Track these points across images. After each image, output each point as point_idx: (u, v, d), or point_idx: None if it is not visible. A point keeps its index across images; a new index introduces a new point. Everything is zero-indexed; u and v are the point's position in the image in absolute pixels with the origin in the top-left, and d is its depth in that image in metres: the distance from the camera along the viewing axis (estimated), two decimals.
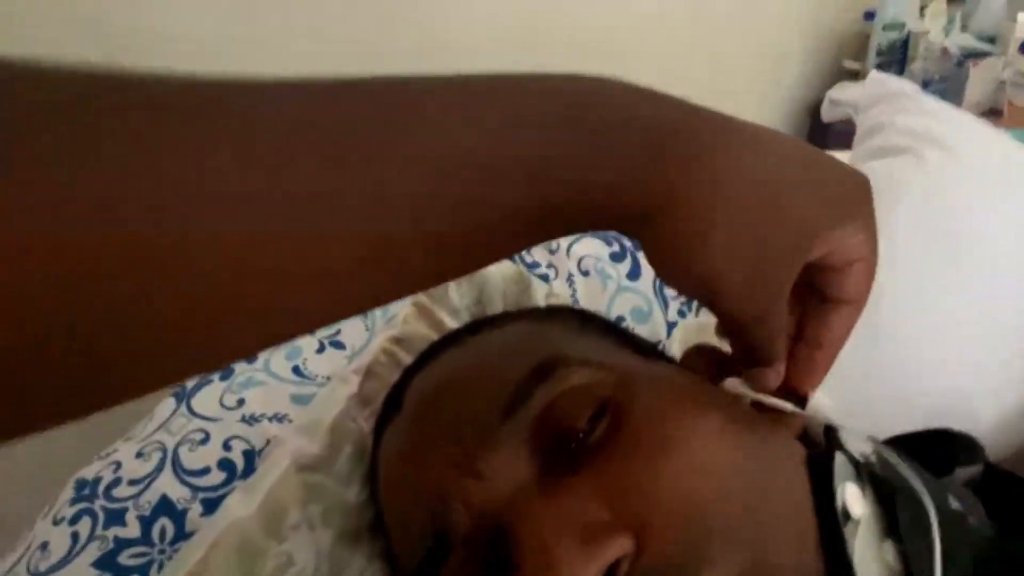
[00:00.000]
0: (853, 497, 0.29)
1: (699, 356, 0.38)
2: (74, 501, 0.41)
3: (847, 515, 0.28)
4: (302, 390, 0.47)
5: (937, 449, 0.35)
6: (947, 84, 1.34)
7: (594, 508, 0.26)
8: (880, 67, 1.42)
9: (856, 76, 1.46)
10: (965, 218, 0.46)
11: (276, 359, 0.49)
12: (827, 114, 1.43)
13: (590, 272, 0.55)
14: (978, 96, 1.33)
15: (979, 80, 1.31)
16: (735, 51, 1.30)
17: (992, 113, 1.31)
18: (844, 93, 1.41)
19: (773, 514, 0.27)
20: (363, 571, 0.35)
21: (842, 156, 0.65)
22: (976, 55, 1.34)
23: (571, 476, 0.28)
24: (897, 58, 1.39)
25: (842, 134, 1.02)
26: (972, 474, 0.34)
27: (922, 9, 1.40)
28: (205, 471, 0.41)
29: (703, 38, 1.23)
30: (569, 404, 0.29)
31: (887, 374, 0.42)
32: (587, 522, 0.26)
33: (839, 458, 0.29)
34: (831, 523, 0.27)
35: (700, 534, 0.26)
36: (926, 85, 1.31)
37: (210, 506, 0.39)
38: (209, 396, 0.46)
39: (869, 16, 1.43)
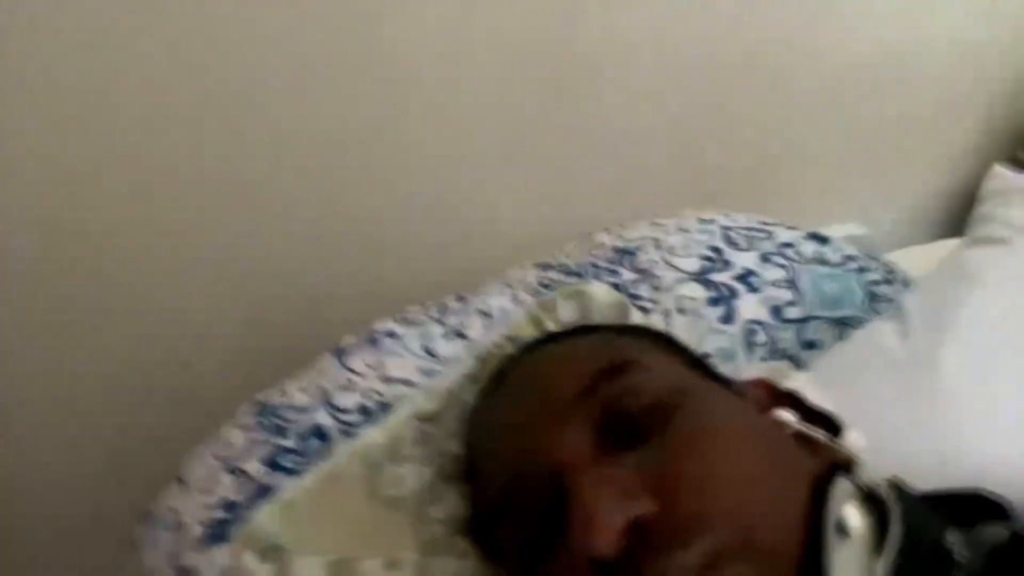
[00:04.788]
0: (851, 516, 0.34)
1: (753, 386, 0.44)
2: (252, 415, 0.54)
3: (846, 532, 0.34)
4: (428, 366, 0.58)
5: (969, 507, 0.39)
6: None
7: (632, 478, 0.34)
8: None
9: None
10: None
11: (411, 338, 0.60)
12: None
13: (686, 311, 0.62)
14: None
15: None
16: (899, 118, 1.30)
17: None
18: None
19: (770, 514, 0.33)
20: (454, 506, 0.44)
21: None
22: None
23: (620, 452, 0.35)
24: None
25: None
26: (999, 536, 0.37)
27: None
28: (348, 411, 0.53)
29: (864, 119, 1.25)
30: (628, 397, 0.37)
31: (936, 433, 0.45)
32: (625, 486, 0.33)
33: (843, 483, 0.35)
34: (819, 534, 0.33)
35: (707, 512, 0.32)
36: None
37: (350, 436, 0.51)
38: (358, 357, 0.58)
39: None
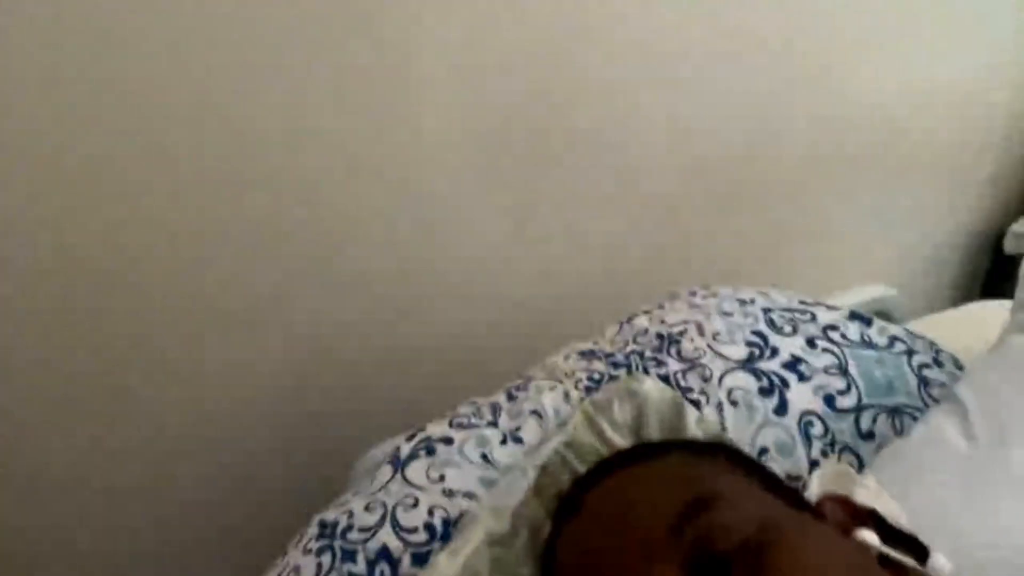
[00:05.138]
0: None
1: (833, 504, 0.44)
2: (318, 537, 0.54)
3: None
4: (487, 474, 0.58)
5: None
6: None
7: None
8: None
9: None
10: None
11: (469, 446, 0.60)
12: (1011, 246, 1.39)
13: (738, 403, 0.62)
14: None
15: None
16: (914, 173, 1.32)
17: None
18: None
19: None
20: None
21: None
22: None
23: None
24: None
25: None
26: None
27: None
28: (415, 530, 0.53)
29: (880, 157, 1.26)
30: (718, 536, 0.36)
31: (1016, 541, 0.45)
32: None
33: None
34: None
35: None
36: None
37: (417, 559, 0.51)
38: (418, 468, 0.58)
39: None
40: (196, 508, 0.89)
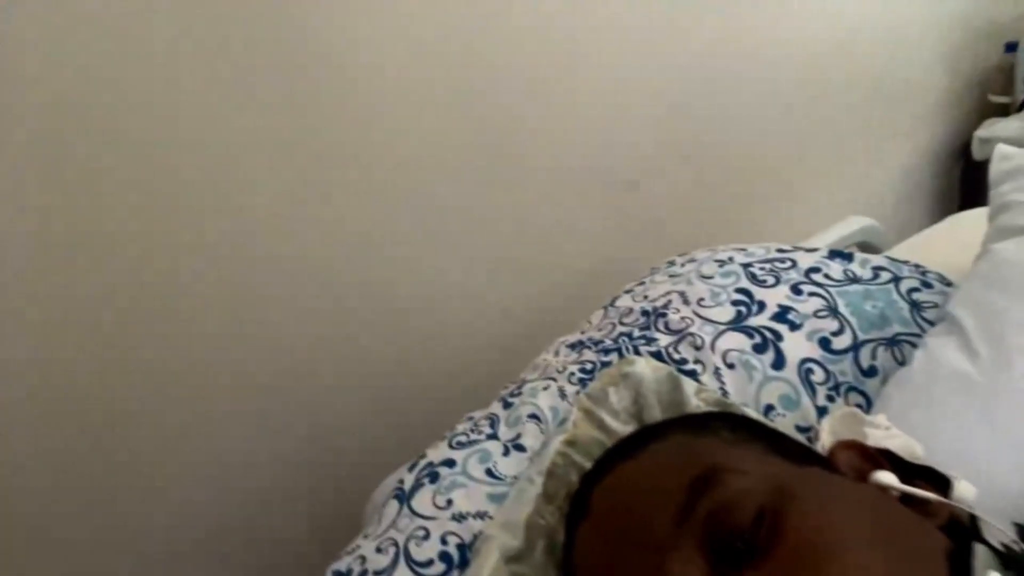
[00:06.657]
0: None
1: (845, 451, 0.43)
2: None
3: None
4: (495, 490, 0.56)
5: None
6: None
7: None
8: None
9: (1006, 111, 1.40)
10: None
11: (472, 463, 0.59)
12: (979, 152, 1.38)
13: (735, 365, 0.60)
14: None
15: None
16: (873, 93, 1.31)
17: None
18: (994, 129, 1.36)
19: None
20: None
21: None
22: None
23: (737, 574, 0.33)
24: None
25: None
26: None
27: None
28: (430, 563, 0.51)
29: (843, 82, 1.26)
30: (729, 511, 0.35)
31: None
32: None
33: (979, 550, 0.33)
34: None
35: None
36: None
37: None
38: (424, 498, 0.56)
39: (1010, 47, 1.37)
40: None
